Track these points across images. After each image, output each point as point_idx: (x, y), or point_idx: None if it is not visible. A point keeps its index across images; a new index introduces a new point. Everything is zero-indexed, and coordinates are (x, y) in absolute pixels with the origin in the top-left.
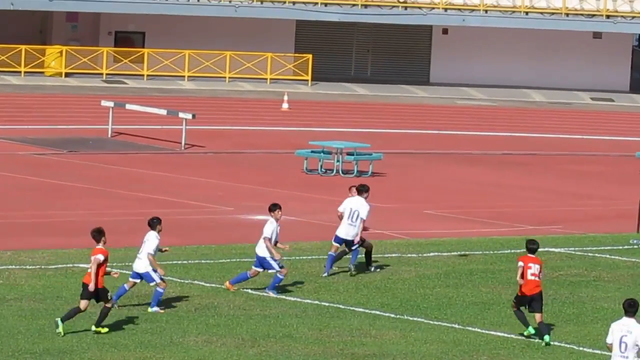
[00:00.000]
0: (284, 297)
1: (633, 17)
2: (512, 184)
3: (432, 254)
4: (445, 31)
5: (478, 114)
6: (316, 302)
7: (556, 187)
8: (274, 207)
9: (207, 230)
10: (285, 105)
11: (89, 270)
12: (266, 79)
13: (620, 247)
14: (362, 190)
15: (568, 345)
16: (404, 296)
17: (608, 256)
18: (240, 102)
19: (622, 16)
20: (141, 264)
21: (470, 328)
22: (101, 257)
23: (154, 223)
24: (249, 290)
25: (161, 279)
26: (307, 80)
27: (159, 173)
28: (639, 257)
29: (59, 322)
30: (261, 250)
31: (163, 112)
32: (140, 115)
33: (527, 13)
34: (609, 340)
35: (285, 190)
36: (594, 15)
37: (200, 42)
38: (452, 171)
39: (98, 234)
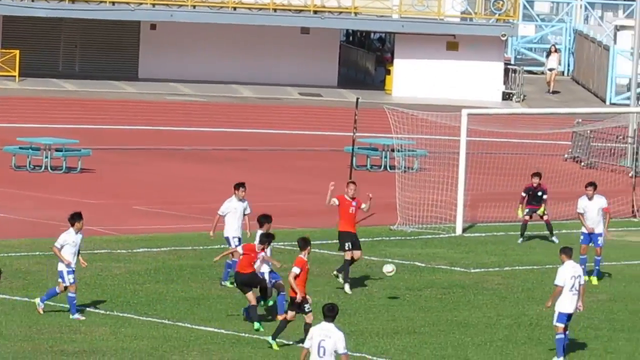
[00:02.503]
0: None
1: (340, 13)
2: (223, 179)
3: (142, 249)
4: (153, 26)
5: (187, 109)
6: (25, 299)
7: (267, 182)
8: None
9: None
10: None
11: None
12: None
13: (329, 242)
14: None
15: (278, 340)
16: (114, 292)
17: (318, 250)
18: None
19: (329, 11)
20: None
21: (180, 324)
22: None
23: None
24: None
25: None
26: (14, 76)
27: None
28: None
29: (270, 341)
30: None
31: None
32: None
33: (235, 8)
34: (306, 344)
35: None
36: (301, 11)
37: None
38: (163, 167)
39: (305, 243)
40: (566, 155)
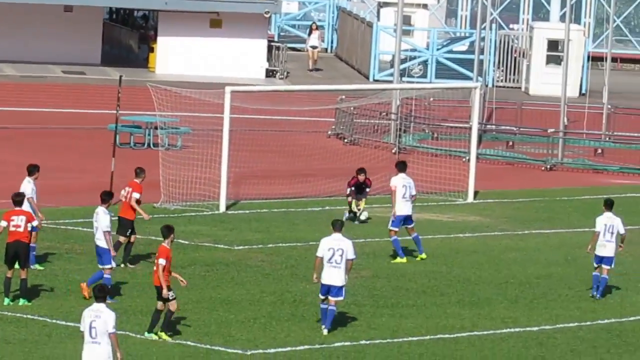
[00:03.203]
0: None
1: None
2: None
3: None
4: None
5: None
6: None
7: (31, 160)
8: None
9: None
10: None
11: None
12: None
13: (91, 220)
14: None
15: (41, 318)
16: None
17: (81, 229)
18: None
19: None
20: None
21: None
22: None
23: None
24: None
25: None
26: None
27: None
28: None
29: (147, 335)
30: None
31: None
32: None
33: None
34: (81, 328)
35: None
36: None
37: None
38: None
39: (168, 231)
40: (329, 132)
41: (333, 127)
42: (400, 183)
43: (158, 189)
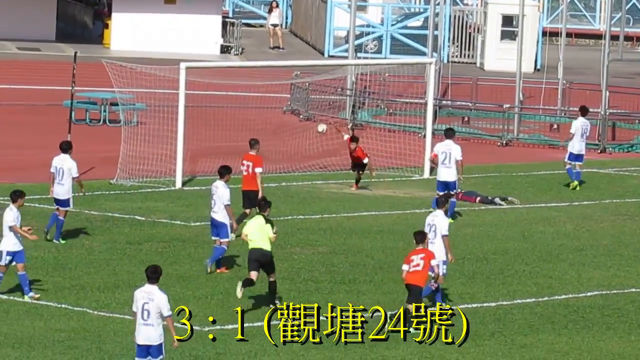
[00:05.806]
0: None
1: None
2: None
3: None
4: None
5: None
6: None
7: None
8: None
9: None
10: None
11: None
12: None
13: (46, 197)
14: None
15: None
16: None
17: (37, 205)
18: None
19: None
20: None
21: None
22: None
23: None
24: None
25: None
26: None
27: None
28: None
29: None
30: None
31: None
32: None
33: None
34: (133, 308)
35: None
36: None
37: None
38: None
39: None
40: (285, 108)
41: (289, 103)
42: (440, 150)
43: (114, 165)
